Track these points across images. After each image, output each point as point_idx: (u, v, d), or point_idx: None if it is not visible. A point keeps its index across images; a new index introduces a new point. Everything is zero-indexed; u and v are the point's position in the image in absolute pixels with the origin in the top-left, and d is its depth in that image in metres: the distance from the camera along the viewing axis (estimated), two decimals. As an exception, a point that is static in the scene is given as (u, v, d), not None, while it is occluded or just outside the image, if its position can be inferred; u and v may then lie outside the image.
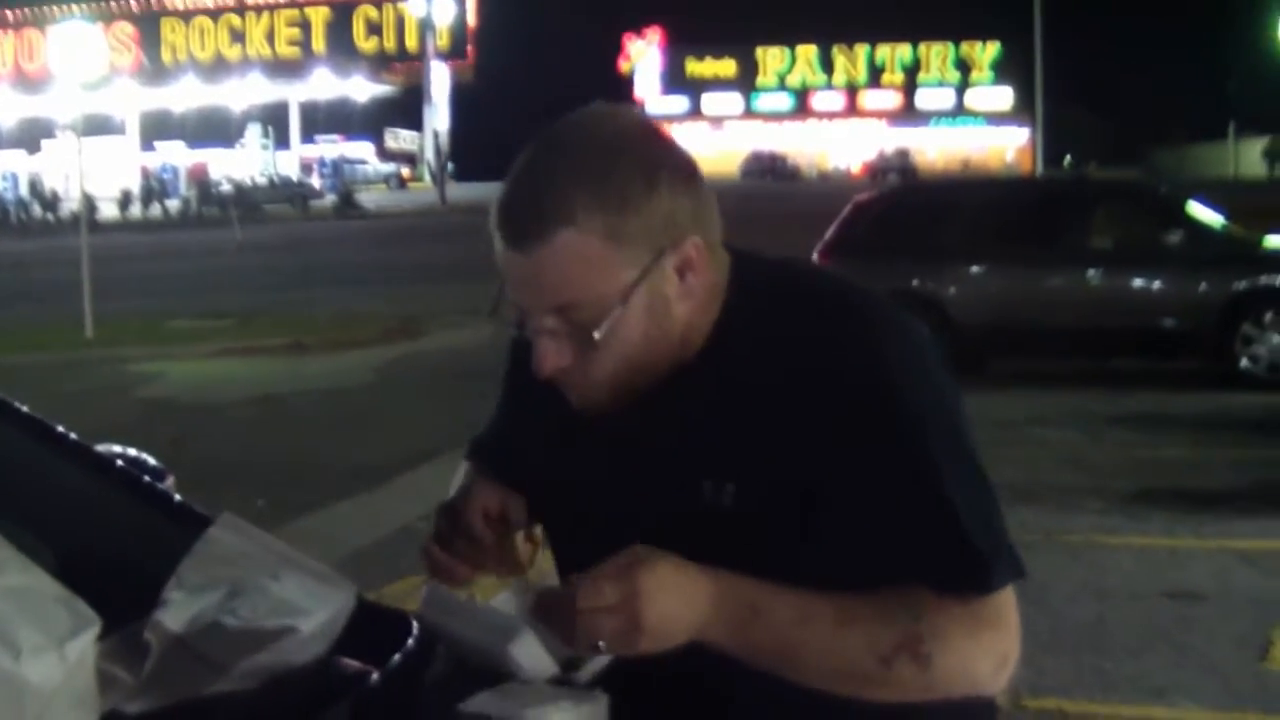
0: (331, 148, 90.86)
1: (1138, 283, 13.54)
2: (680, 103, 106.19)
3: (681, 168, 1.78)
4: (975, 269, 13.79)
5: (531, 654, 1.90)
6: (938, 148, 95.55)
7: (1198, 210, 14.30)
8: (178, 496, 2.79)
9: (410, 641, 2.14)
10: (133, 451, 3.61)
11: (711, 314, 1.82)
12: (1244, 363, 12.97)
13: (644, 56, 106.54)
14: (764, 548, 1.77)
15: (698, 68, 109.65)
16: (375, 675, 2.06)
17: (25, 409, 2.82)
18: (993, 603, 1.75)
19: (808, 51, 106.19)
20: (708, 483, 1.78)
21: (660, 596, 1.65)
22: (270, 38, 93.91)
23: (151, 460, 3.47)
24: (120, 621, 1.99)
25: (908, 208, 15.38)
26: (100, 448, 3.09)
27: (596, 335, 1.74)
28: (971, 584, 1.73)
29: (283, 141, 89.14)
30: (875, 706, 1.77)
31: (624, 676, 1.77)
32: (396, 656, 2.10)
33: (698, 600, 1.68)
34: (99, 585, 2.02)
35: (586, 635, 1.67)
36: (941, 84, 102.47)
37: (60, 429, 2.81)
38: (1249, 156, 58.00)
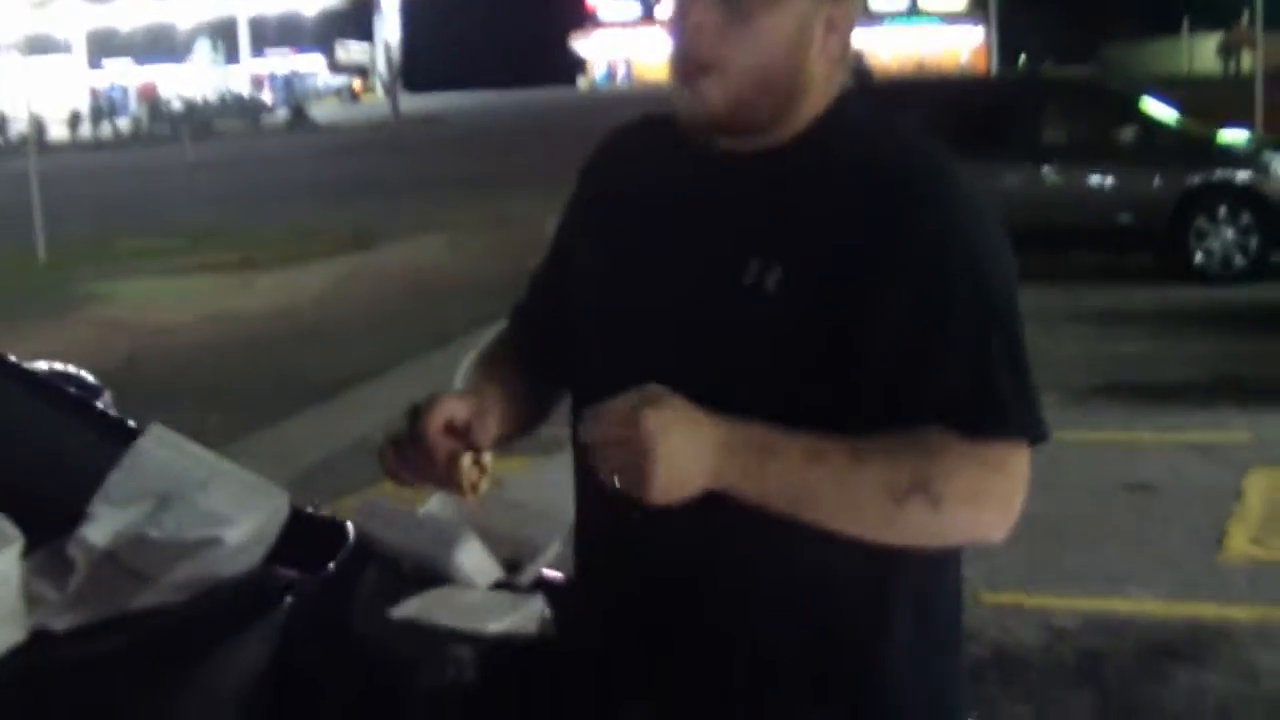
0: (282, 62, 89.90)
1: (1092, 179, 13.54)
2: (633, 9, 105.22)
3: None
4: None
5: (475, 560, 1.88)
6: (892, 49, 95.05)
7: (1152, 106, 14.29)
8: (112, 411, 2.75)
9: (345, 549, 2.11)
10: (72, 369, 3.57)
11: (815, 107, 1.85)
12: (1198, 258, 13.00)
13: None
14: (794, 344, 1.75)
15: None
16: (309, 583, 2.04)
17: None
18: (1003, 449, 1.72)
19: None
20: (756, 260, 1.77)
21: (671, 431, 1.62)
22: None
23: (88, 377, 3.43)
24: (49, 537, 1.96)
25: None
26: (37, 365, 3.04)
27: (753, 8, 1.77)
28: (986, 423, 1.71)
29: (232, 57, 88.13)
30: (854, 572, 1.76)
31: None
32: (330, 564, 2.08)
33: (705, 442, 1.65)
34: (27, 502, 1.99)
35: (601, 466, 1.65)
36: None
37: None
38: (1203, 52, 57.91)
